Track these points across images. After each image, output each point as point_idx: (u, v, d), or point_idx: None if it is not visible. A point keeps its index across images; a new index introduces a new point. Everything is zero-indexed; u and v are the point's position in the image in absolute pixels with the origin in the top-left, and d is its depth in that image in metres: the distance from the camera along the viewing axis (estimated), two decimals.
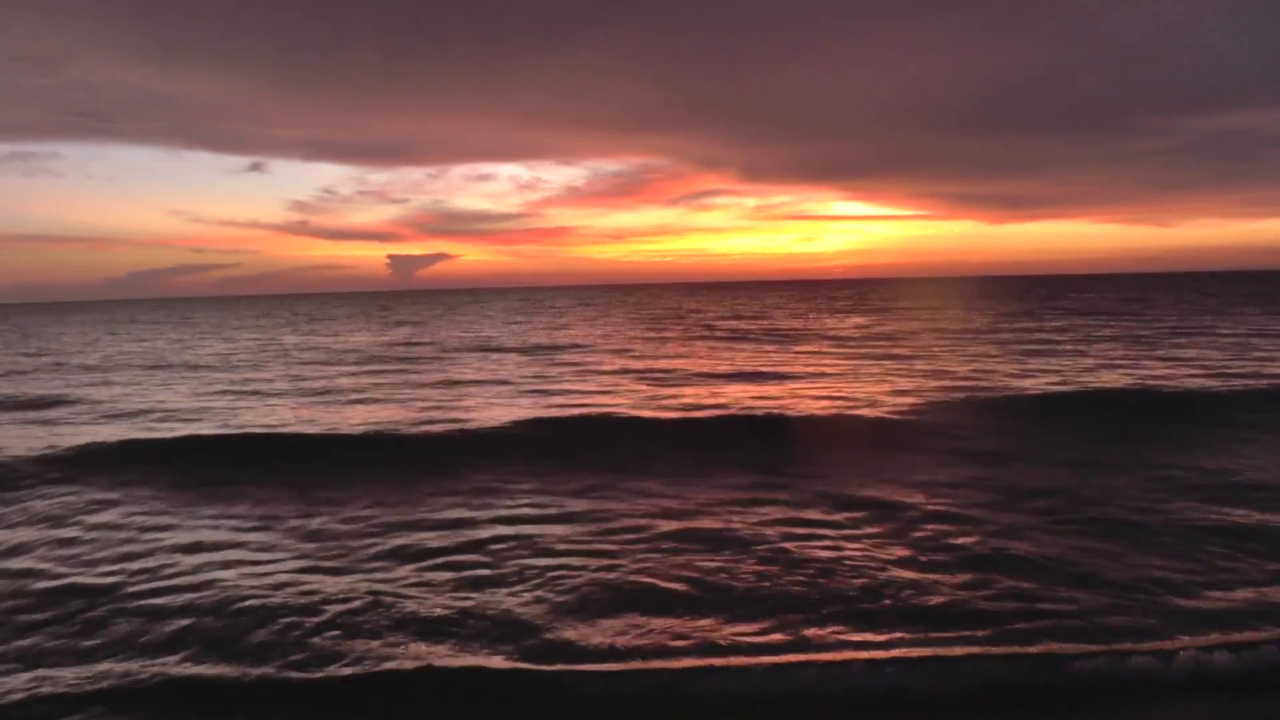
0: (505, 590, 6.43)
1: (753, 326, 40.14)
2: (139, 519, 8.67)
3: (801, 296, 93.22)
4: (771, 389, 17.36)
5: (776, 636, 5.54)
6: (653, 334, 36.35)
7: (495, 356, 26.50)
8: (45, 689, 4.92)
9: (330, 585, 6.53)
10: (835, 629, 5.64)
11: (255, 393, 18.66)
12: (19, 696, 4.86)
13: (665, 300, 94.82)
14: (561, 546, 7.46)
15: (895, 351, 24.68)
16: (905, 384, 17.41)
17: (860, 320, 43.18)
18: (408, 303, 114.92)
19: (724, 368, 21.49)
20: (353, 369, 23.59)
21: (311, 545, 7.70)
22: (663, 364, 22.82)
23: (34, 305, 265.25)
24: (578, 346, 29.70)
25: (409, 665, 5.14)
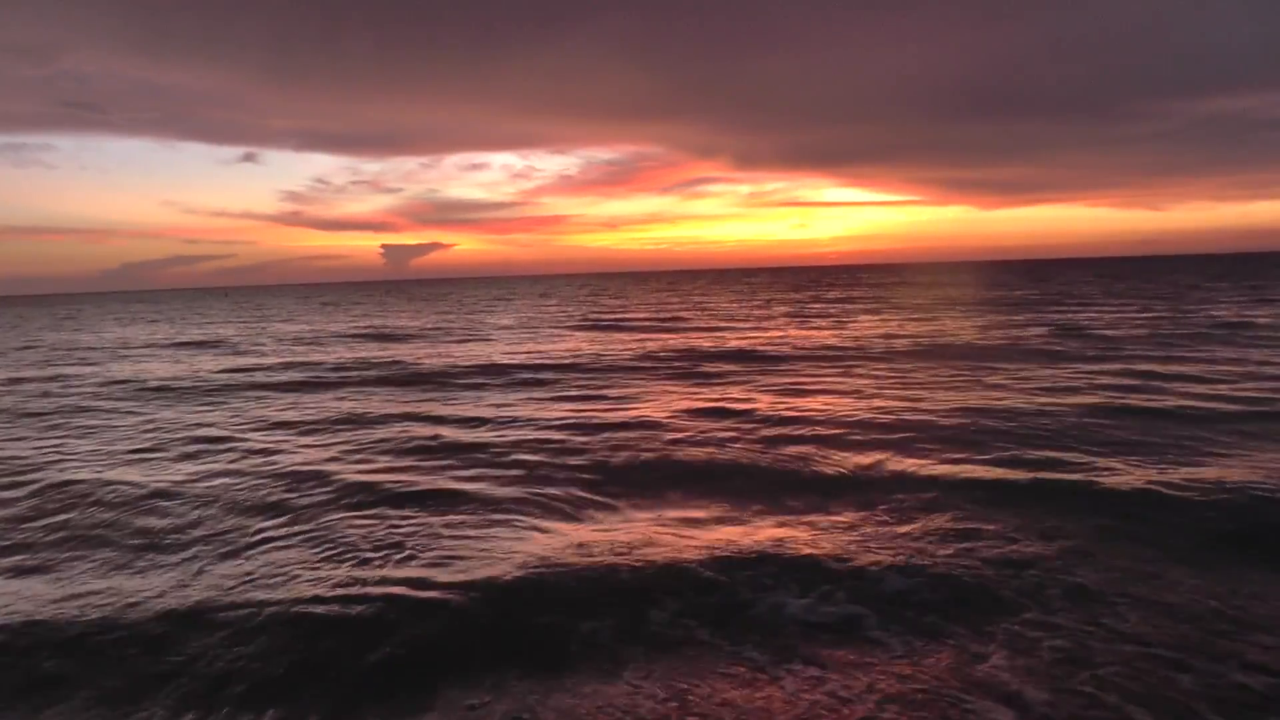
0: None
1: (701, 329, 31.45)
2: None
3: (792, 284, 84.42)
4: None
5: None
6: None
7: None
8: None
9: None
10: None
11: None
12: None
13: (631, 288, 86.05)
14: None
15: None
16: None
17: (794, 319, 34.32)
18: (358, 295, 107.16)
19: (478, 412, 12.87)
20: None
21: None
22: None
23: (29, 298, 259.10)
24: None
25: None
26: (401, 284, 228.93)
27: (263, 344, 27.87)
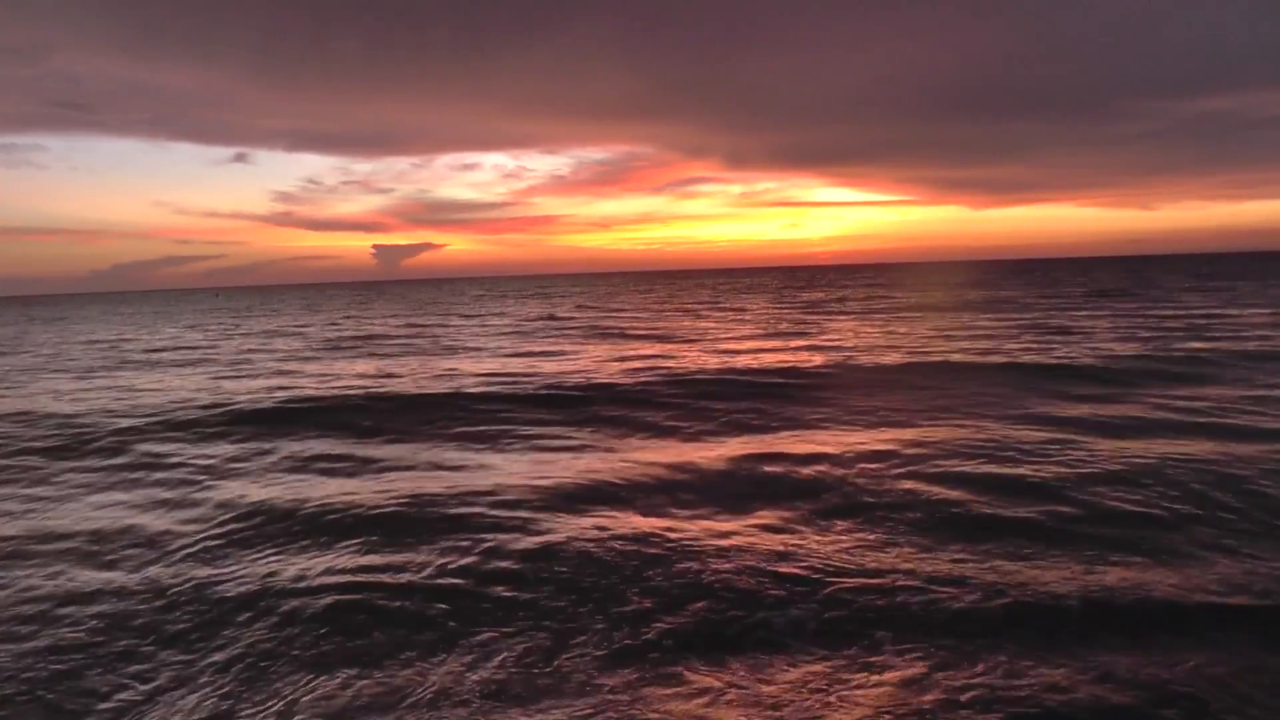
0: None
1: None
2: None
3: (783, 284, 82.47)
4: None
5: None
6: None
7: None
8: None
9: None
10: None
11: None
12: None
13: (610, 289, 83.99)
14: None
15: None
16: None
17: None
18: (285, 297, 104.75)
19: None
20: None
21: None
22: None
23: (15, 299, 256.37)
24: None
25: None
26: (387, 284, 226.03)
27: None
